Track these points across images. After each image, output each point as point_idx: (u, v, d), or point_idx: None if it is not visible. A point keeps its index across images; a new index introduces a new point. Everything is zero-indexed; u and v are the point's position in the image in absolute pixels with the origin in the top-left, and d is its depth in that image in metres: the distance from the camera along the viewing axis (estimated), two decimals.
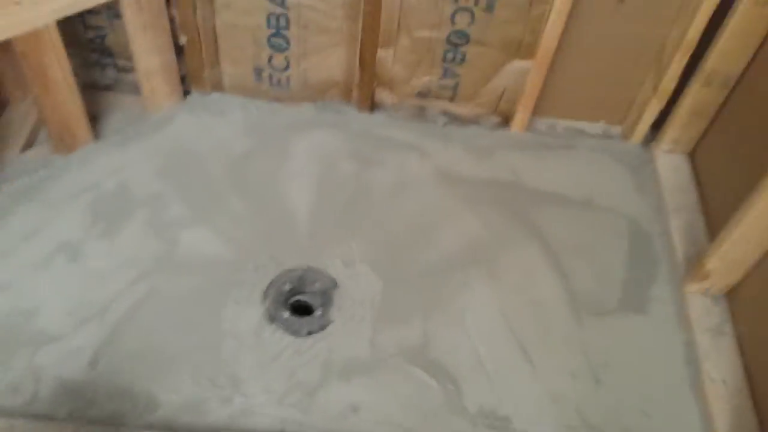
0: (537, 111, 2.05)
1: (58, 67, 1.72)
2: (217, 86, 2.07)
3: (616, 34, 1.87)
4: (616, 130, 2.12)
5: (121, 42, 1.97)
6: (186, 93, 2.06)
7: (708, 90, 1.85)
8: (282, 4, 1.85)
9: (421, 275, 1.71)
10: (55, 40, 1.68)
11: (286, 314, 1.60)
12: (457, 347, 1.57)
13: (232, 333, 1.55)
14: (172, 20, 1.88)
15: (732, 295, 1.68)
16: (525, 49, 1.90)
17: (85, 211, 1.76)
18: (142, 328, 1.55)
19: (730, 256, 1.60)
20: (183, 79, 2.03)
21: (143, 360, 1.50)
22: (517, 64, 1.94)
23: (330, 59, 1.98)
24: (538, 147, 2.05)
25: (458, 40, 1.90)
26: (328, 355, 1.54)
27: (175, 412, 1.42)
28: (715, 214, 1.82)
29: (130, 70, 2.03)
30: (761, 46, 1.73)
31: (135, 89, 2.04)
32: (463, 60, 1.95)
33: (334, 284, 1.67)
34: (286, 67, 2.01)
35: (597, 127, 2.11)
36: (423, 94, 2.05)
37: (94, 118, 1.95)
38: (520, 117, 2.05)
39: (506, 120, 2.09)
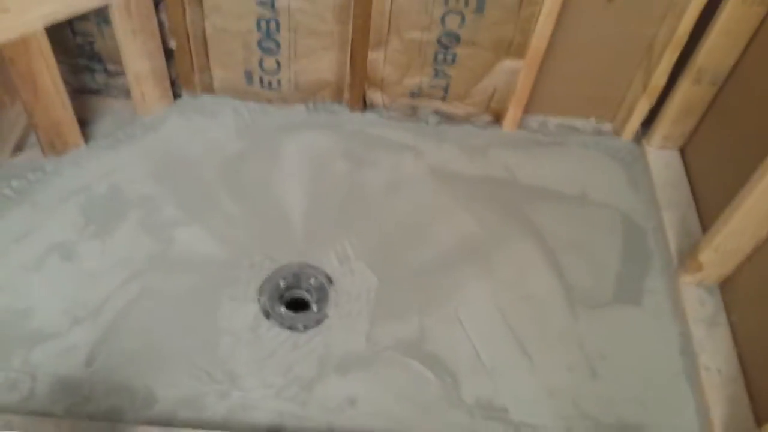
0: (528, 109, 2.07)
1: (47, 72, 1.72)
2: (208, 89, 2.07)
3: (605, 32, 1.88)
4: (608, 126, 2.13)
5: (110, 47, 1.97)
6: (176, 96, 2.06)
7: (698, 87, 1.87)
8: (272, 8, 1.86)
9: (417, 272, 1.71)
10: (44, 46, 1.68)
11: (282, 309, 1.60)
12: (453, 341, 1.57)
13: (228, 329, 1.55)
14: (161, 24, 1.89)
15: (725, 286, 1.69)
16: (515, 48, 1.91)
17: (77, 213, 1.75)
18: (137, 326, 1.54)
19: (723, 247, 1.60)
20: (173, 83, 2.03)
21: (140, 357, 1.49)
22: (508, 64, 1.95)
23: (321, 61, 1.99)
24: (531, 144, 2.06)
25: (448, 41, 1.91)
26: (324, 349, 1.53)
27: (173, 407, 1.42)
28: (707, 208, 1.84)
29: (119, 74, 2.03)
30: (749, 43, 1.75)
31: (125, 93, 2.04)
32: (453, 61, 1.96)
33: (330, 280, 1.67)
34: (277, 70, 2.01)
35: (588, 124, 2.13)
36: (415, 95, 2.06)
37: (85, 123, 1.94)
38: (512, 115, 2.06)
39: (498, 118, 2.10)
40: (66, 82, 1.78)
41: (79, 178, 1.82)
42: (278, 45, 1.95)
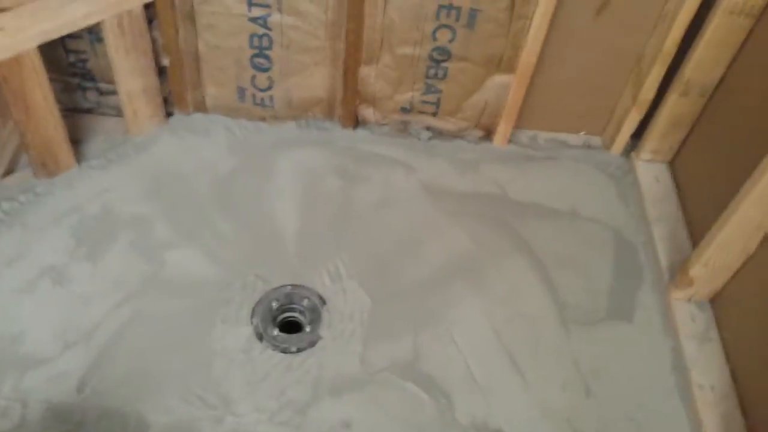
0: (518, 123, 2.07)
1: (39, 91, 1.71)
2: (200, 107, 2.07)
3: (594, 45, 1.89)
4: (597, 140, 2.15)
5: (102, 65, 1.97)
6: (169, 114, 2.06)
7: (686, 100, 1.88)
8: (264, 24, 1.86)
9: (409, 290, 1.71)
10: (37, 64, 1.67)
11: (275, 332, 1.60)
12: (447, 361, 1.58)
13: (221, 352, 1.55)
14: (153, 42, 1.88)
15: (716, 301, 1.70)
16: (506, 63, 1.92)
17: (69, 235, 1.74)
18: (129, 349, 1.54)
19: (713, 262, 1.61)
20: (165, 101, 2.03)
21: (132, 382, 1.48)
22: (499, 79, 1.96)
23: (313, 78, 1.99)
24: (521, 159, 2.07)
25: (440, 57, 1.91)
26: (318, 371, 1.53)
27: None
28: (697, 222, 1.85)
29: (112, 93, 2.02)
30: (737, 55, 1.76)
31: (117, 112, 2.04)
32: (445, 76, 1.97)
33: (322, 301, 1.67)
34: (269, 87, 2.01)
35: (578, 138, 2.14)
36: (406, 110, 2.07)
37: (76, 142, 1.94)
38: (503, 130, 2.07)
39: (489, 133, 2.11)
40: (58, 100, 1.78)
41: (71, 199, 1.82)
42: (271, 61, 1.95)
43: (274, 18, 1.85)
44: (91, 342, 1.54)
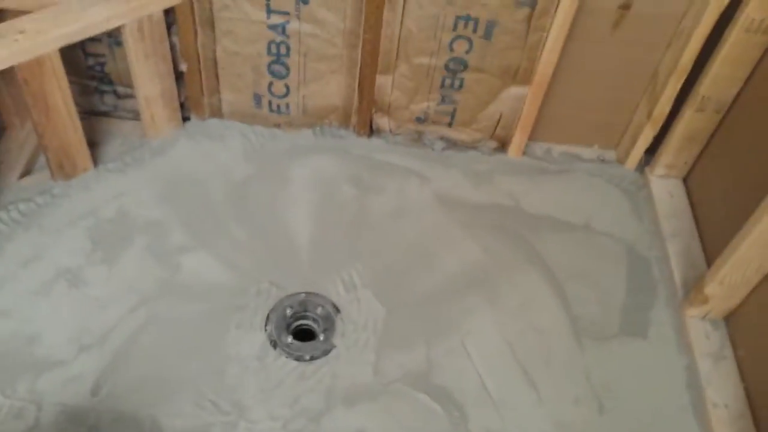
0: (533, 136, 2.08)
1: (59, 94, 1.72)
2: (217, 112, 2.08)
3: (610, 60, 1.90)
4: (611, 154, 2.15)
5: (120, 69, 1.98)
6: (185, 119, 2.07)
7: (701, 115, 1.88)
8: (283, 32, 1.87)
9: (423, 301, 1.71)
10: (57, 67, 1.68)
11: (289, 339, 1.60)
12: (460, 373, 1.58)
13: (235, 358, 1.55)
14: (172, 47, 1.89)
15: (731, 319, 1.69)
16: (522, 75, 1.92)
17: (85, 237, 1.75)
18: (144, 354, 1.54)
19: (728, 280, 1.61)
20: (182, 105, 2.04)
21: (146, 386, 1.49)
22: (514, 90, 1.96)
23: (329, 86, 2.00)
24: (535, 171, 2.07)
25: (456, 67, 1.92)
26: (331, 380, 1.53)
27: None
28: (711, 238, 1.85)
29: (129, 96, 2.04)
30: (753, 72, 1.76)
31: (134, 115, 2.05)
32: (460, 86, 1.97)
33: (336, 309, 1.67)
34: (286, 94, 2.02)
35: (592, 152, 2.14)
36: (421, 120, 2.07)
37: (93, 145, 1.95)
38: (517, 142, 2.07)
39: (503, 145, 2.11)
40: (75, 103, 1.79)
41: (87, 201, 1.83)
42: (288, 69, 1.95)
43: (293, 26, 1.86)
44: (105, 345, 1.54)
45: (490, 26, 1.82)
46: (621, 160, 2.12)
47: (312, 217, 1.88)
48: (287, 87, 2.00)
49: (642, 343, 1.67)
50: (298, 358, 1.57)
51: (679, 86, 1.88)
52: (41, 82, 1.68)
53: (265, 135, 2.07)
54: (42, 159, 1.90)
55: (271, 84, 2.00)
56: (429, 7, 1.79)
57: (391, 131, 2.11)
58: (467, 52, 1.88)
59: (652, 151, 2.05)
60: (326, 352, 1.59)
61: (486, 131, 2.09)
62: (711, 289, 1.64)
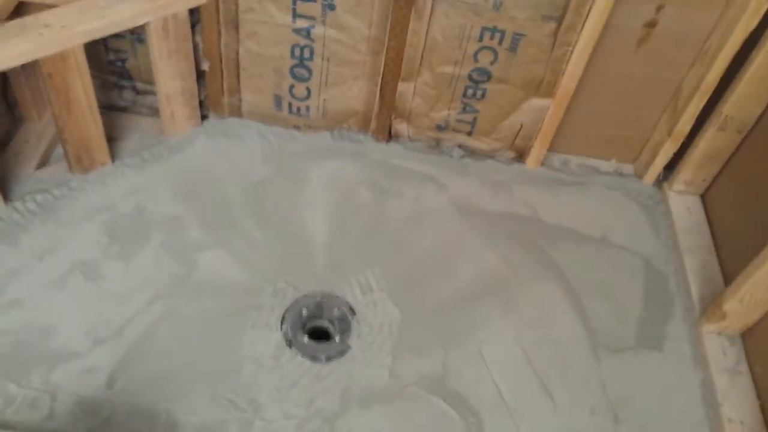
0: (551, 147, 2.08)
1: (81, 88, 1.72)
2: (236, 112, 2.08)
3: (633, 75, 1.90)
4: (628, 168, 2.15)
5: (141, 65, 1.98)
6: (203, 117, 2.07)
7: (723, 134, 1.88)
8: (308, 35, 1.87)
9: (439, 306, 1.71)
10: (81, 62, 1.68)
11: (305, 339, 1.59)
12: (476, 380, 1.57)
13: (250, 356, 1.54)
14: (195, 46, 1.90)
15: (748, 336, 1.69)
16: (545, 87, 1.92)
17: (101, 231, 1.74)
18: (159, 348, 1.53)
19: (748, 298, 1.60)
20: (201, 104, 2.04)
21: (161, 381, 1.48)
22: (536, 102, 1.97)
23: (351, 90, 2.00)
24: (553, 182, 2.07)
25: (479, 77, 1.92)
26: (347, 382, 1.52)
27: None
28: (728, 255, 1.84)
29: (147, 92, 2.04)
30: None
31: (152, 111, 2.05)
32: (483, 96, 1.97)
33: (352, 311, 1.66)
34: (307, 97, 2.02)
35: (609, 165, 2.14)
36: (441, 128, 2.07)
37: (111, 140, 1.94)
38: (536, 153, 2.07)
39: (521, 155, 2.11)
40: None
41: (104, 196, 1.82)
42: (310, 72, 1.96)
43: (318, 30, 1.86)
44: (121, 339, 1.53)
45: (516, 39, 1.82)
46: (639, 175, 2.12)
47: (329, 219, 1.87)
48: (308, 90, 2.01)
49: (658, 357, 1.67)
50: (314, 358, 1.56)
51: (701, 105, 1.88)
52: (64, 77, 1.67)
53: (283, 136, 2.07)
54: (59, 151, 1.89)
55: (292, 86, 2.00)
56: (456, 18, 1.79)
57: (409, 137, 2.11)
58: (492, 63, 1.89)
59: (670, 166, 2.05)
60: (342, 353, 1.58)
61: (505, 141, 2.09)
62: (730, 305, 1.63)
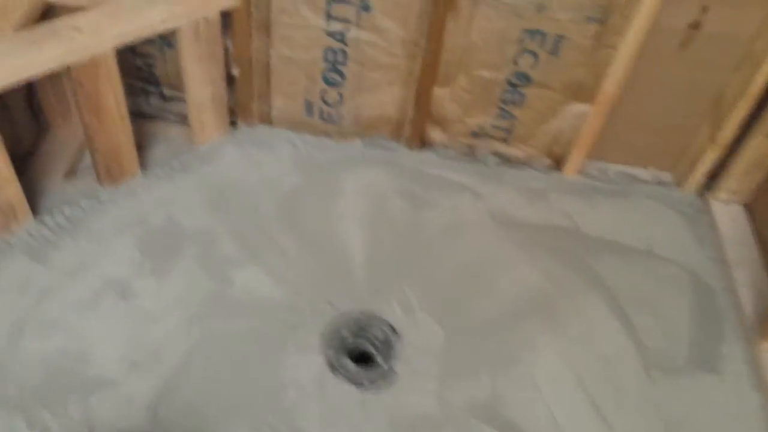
0: (588, 154, 2.01)
1: (112, 96, 1.66)
2: (265, 118, 2.01)
3: (675, 80, 1.83)
4: (667, 176, 2.08)
5: (169, 71, 1.92)
6: (232, 123, 2.00)
7: None
8: (342, 39, 1.80)
9: (483, 326, 1.65)
10: (112, 68, 1.62)
11: (348, 363, 1.53)
12: (528, 405, 1.50)
13: (292, 381, 1.48)
14: (225, 51, 1.83)
15: None
16: (585, 92, 1.86)
17: (133, 246, 1.69)
18: (197, 373, 1.47)
19: None
20: (230, 110, 1.97)
21: (202, 408, 1.42)
22: (576, 107, 1.90)
23: (384, 96, 1.94)
24: (591, 192, 2.00)
25: (519, 82, 1.85)
26: (394, 409, 1.46)
27: None
28: None
29: (175, 99, 1.97)
30: None
31: (179, 118, 1.99)
32: (521, 101, 1.91)
33: (395, 332, 1.60)
34: (339, 103, 1.96)
35: (648, 174, 2.07)
36: (476, 134, 2.01)
37: (139, 148, 1.87)
38: (574, 160, 2.01)
39: (558, 163, 2.05)
40: None
41: (135, 208, 1.76)
42: (343, 77, 1.89)
43: (352, 33, 1.79)
44: (158, 364, 1.48)
45: (558, 41, 1.75)
46: (679, 183, 2.05)
47: (364, 231, 1.81)
48: (341, 95, 1.94)
49: (714, 378, 1.60)
50: (358, 384, 1.50)
51: (745, 112, 1.81)
52: (95, 84, 1.61)
53: (313, 144, 2.00)
54: (86, 160, 1.83)
55: (324, 92, 1.93)
56: (497, 21, 1.73)
57: (443, 144, 2.04)
58: (532, 66, 1.82)
59: (712, 175, 1.99)
60: (385, 377, 1.52)
61: (542, 148, 2.02)
62: None
